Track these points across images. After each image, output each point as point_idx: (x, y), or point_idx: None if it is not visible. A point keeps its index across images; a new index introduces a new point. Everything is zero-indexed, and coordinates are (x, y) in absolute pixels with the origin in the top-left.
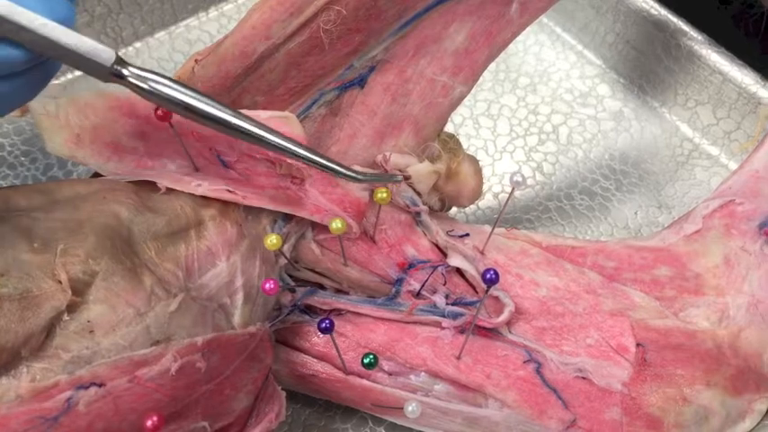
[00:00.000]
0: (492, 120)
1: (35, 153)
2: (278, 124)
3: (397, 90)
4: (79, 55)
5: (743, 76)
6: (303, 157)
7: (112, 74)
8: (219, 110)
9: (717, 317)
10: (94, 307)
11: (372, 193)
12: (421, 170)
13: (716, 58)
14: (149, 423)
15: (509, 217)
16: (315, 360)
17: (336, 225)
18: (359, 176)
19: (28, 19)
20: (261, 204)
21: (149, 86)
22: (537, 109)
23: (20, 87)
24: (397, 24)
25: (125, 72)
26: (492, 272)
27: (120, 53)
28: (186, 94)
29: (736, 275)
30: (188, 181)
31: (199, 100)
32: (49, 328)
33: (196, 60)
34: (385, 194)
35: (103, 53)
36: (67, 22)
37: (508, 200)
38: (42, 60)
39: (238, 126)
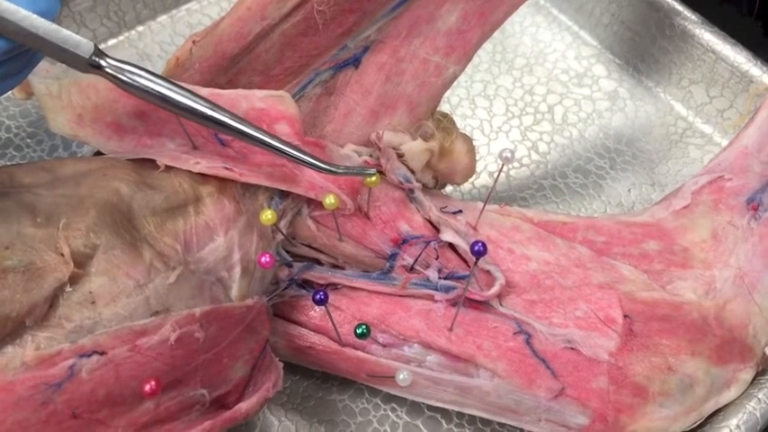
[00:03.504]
0: (488, 100)
1: (41, 135)
2: (273, 103)
3: (391, 70)
4: (58, 46)
5: (735, 55)
6: (278, 150)
7: (90, 65)
8: (196, 102)
9: (703, 289)
10: (96, 279)
11: None
12: (414, 148)
13: (709, 37)
14: (147, 387)
15: (504, 195)
16: (311, 332)
17: (329, 201)
18: (333, 169)
19: (9, 11)
20: (257, 181)
21: (127, 78)
22: (533, 89)
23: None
24: (389, 5)
25: (102, 63)
26: (480, 244)
27: (122, 37)
28: (163, 86)
29: (723, 249)
30: (186, 159)
31: (176, 92)
32: (53, 299)
33: (194, 41)
34: (374, 177)
35: (82, 44)
36: (49, 15)
37: (498, 176)
38: (23, 50)
39: (214, 118)
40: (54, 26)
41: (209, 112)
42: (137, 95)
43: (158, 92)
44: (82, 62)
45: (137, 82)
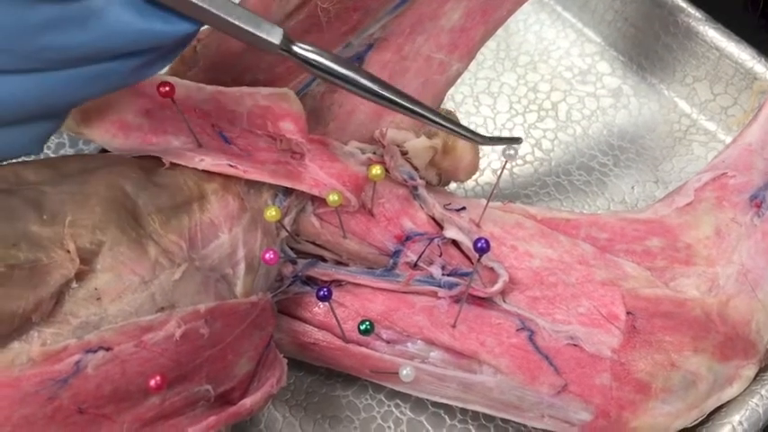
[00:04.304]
0: (492, 97)
1: None
2: (277, 100)
3: (395, 67)
4: (250, 32)
5: (739, 52)
6: (439, 124)
7: (281, 49)
8: (373, 82)
9: (707, 286)
10: (101, 275)
11: (368, 168)
12: (417, 145)
13: (713, 34)
14: (153, 383)
15: (507, 192)
16: (315, 329)
17: (333, 198)
18: (478, 140)
19: None
20: (261, 178)
21: (314, 61)
22: (537, 86)
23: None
24: (393, 3)
25: (294, 48)
26: (483, 241)
27: None
28: (345, 68)
29: (726, 246)
30: (191, 156)
31: (355, 73)
32: (59, 295)
33: (198, 39)
34: (379, 171)
35: (273, 31)
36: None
37: (501, 173)
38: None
39: (386, 96)
40: (247, 12)
41: (382, 91)
42: (319, 76)
43: (341, 73)
44: (273, 47)
45: (322, 64)
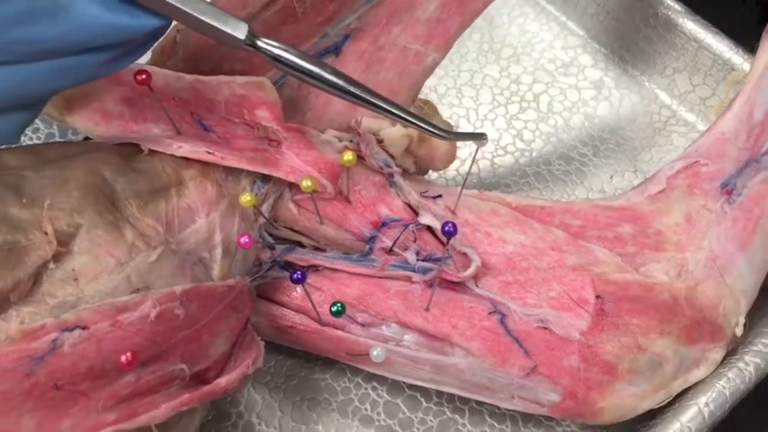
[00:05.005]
0: (475, 89)
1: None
2: (253, 89)
3: (371, 57)
4: (216, 27)
5: (717, 43)
6: (401, 118)
7: (246, 44)
8: (335, 76)
9: (676, 271)
10: (79, 257)
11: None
12: (393, 134)
13: (691, 26)
14: (123, 358)
15: (488, 182)
16: (293, 312)
17: (306, 183)
18: (443, 134)
19: None
20: (239, 165)
21: (278, 56)
22: (519, 78)
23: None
24: None
25: (258, 43)
26: (450, 224)
27: None
28: (309, 63)
29: (696, 232)
30: (170, 143)
31: (319, 67)
32: (37, 276)
33: (177, 30)
34: (350, 157)
35: (239, 26)
36: None
37: (473, 159)
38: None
39: (349, 90)
40: (213, 8)
41: (346, 86)
42: (284, 71)
43: (304, 67)
44: (238, 42)
45: (286, 59)
